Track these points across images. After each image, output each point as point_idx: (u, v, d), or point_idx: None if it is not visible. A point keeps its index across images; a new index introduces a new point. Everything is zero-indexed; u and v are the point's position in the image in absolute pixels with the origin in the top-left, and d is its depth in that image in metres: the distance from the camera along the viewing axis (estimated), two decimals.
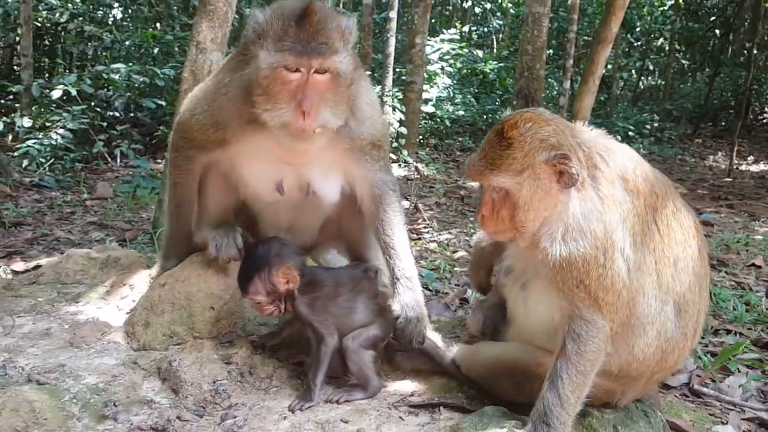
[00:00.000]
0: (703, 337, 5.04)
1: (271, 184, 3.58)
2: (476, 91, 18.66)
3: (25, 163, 11.53)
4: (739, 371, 4.60)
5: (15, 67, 15.85)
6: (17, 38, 14.86)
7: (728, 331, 5.28)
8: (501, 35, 23.29)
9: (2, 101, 15.39)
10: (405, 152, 13.46)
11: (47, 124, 12.33)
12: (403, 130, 13.94)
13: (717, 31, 24.05)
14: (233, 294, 3.64)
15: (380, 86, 15.06)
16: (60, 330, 3.65)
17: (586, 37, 21.17)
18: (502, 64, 19.24)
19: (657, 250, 2.93)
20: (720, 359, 4.65)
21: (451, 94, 17.45)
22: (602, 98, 22.22)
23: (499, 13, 22.62)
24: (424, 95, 15.96)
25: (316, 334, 3.33)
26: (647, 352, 3.00)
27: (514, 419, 3.01)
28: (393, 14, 15.40)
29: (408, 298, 3.55)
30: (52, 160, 11.65)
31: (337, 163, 3.61)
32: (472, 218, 10.12)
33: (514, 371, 3.19)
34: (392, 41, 15.44)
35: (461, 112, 16.95)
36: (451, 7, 23.38)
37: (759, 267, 7.06)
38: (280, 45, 3.14)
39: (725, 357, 4.67)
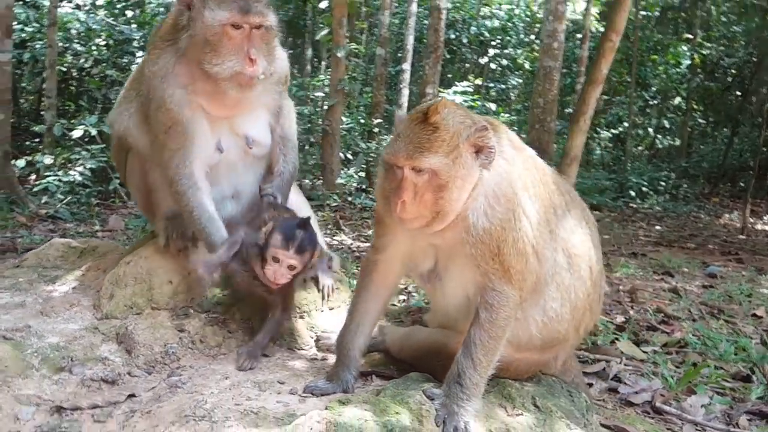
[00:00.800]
0: (678, 366, 5.16)
1: (212, 145, 3.93)
2: None
3: (45, 198, 12.01)
4: (707, 395, 4.60)
5: (41, 111, 16.55)
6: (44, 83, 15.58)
7: (708, 366, 5.16)
8: (517, 91, 23.72)
9: (27, 142, 16.04)
10: None
11: (68, 162, 12.84)
12: None
13: (735, 91, 24.25)
14: (191, 271, 3.94)
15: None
16: (33, 303, 3.97)
17: (604, 95, 21.52)
18: (515, 117, 19.60)
19: (541, 196, 3.20)
20: (685, 379, 4.72)
21: None
22: (617, 155, 22.45)
23: (517, 71, 23.08)
24: None
25: (287, 304, 3.76)
26: (556, 308, 3.23)
27: (434, 383, 3.24)
28: (407, 66, 15.82)
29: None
30: (69, 196, 12.12)
31: (262, 104, 4.10)
32: None
33: (440, 354, 3.38)
34: (405, 92, 15.81)
35: None
36: (468, 65, 23.90)
37: (760, 317, 6.91)
38: (225, 5, 3.64)
39: (690, 377, 4.74)
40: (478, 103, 18.76)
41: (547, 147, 16.61)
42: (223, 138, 3.97)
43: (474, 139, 3.00)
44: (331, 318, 4.06)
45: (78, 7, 16.17)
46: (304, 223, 3.65)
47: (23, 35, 15.73)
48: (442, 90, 17.71)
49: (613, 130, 22.42)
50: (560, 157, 9.95)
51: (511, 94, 24.02)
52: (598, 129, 21.53)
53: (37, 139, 15.78)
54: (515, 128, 18.77)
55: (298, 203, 4.34)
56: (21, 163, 12.86)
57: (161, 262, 3.97)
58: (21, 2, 16.00)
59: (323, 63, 22.05)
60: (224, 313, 3.89)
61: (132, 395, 3.21)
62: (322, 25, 16.00)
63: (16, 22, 15.59)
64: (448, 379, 3.10)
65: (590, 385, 4.57)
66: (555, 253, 3.22)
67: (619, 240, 12.15)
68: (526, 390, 3.35)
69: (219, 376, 3.38)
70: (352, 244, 10.23)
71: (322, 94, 15.42)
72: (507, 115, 19.50)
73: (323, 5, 16.57)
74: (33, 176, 13.98)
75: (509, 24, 22.45)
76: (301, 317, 3.94)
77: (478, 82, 20.32)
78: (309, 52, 23.43)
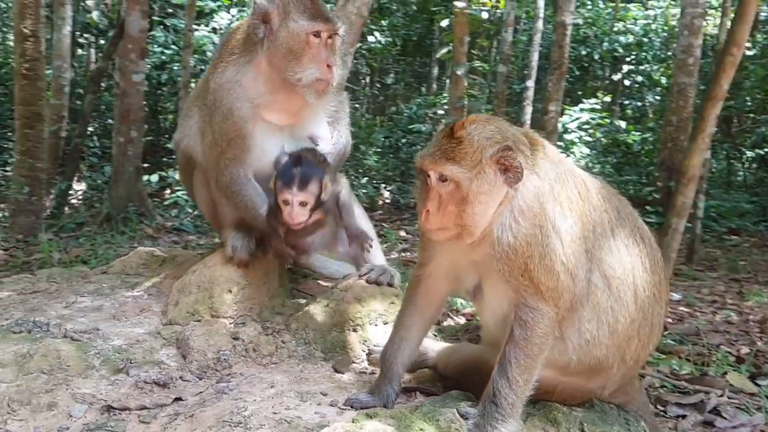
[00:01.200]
0: None
1: (273, 153, 4.11)
2: (617, 162, 18.35)
3: (175, 212, 12.67)
4: None
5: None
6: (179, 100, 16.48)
7: None
8: (653, 108, 22.83)
9: (164, 158, 17.01)
10: None
11: None
12: None
13: None
14: (251, 281, 4.06)
15: None
16: (109, 307, 4.22)
17: (750, 114, 20.37)
18: (647, 135, 18.86)
19: (578, 212, 3.07)
20: None
21: (590, 164, 17.27)
22: (761, 176, 21.03)
23: (653, 88, 22.21)
24: None
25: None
26: (592, 331, 3.08)
27: (473, 401, 3.17)
28: (530, 83, 15.58)
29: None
30: (196, 210, 12.74)
31: (323, 108, 4.36)
32: None
33: (481, 372, 3.28)
34: (528, 109, 15.58)
35: None
36: (599, 82, 23.26)
37: None
38: (307, 15, 3.93)
39: None
40: (607, 120, 18.22)
41: (680, 166, 15.90)
42: (287, 144, 4.15)
43: (498, 157, 2.94)
44: (385, 332, 4.06)
45: (214, 30, 16.99)
46: (299, 159, 3.80)
47: (163, 57, 16.66)
48: (567, 107, 17.34)
49: (758, 151, 21.12)
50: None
51: (648, 111, 23.16)
52: (742, 149, 20.35)
53: (173, 156, 16.69)
54: (649, 147, 18.12)
55: (359, 216, 4.38)
56: (154, 178, 13.62)
57: (223, 271, 4.12)
58: (161, 26, 16.98)
59: (447, 82, 22.12)
60: (280, 323, 3.97)
61: (179, 398, 3.33)
62: (446, 44, 16.04)
63: (156, 46, 16.63)
64: (484, 398, 3.03)
65: (683, 417, 4.32)
66: (590, 273, 3.08)
67: (756, 267, 11.39)
68: (574, 415, 3.22)
69: (265, 384, 3.44)
70: None
71: (442, 112, 15.44)
72: (639, 132, 18.79)
73: (445, 23, 16.60)
74: (167, 191, 14.81)
75: (645, 39, 21.66)
76: (354, 330, 3.96)
77: (608, 99, 19.72)
78: (435, 71, 23.63)
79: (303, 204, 3.73)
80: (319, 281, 4.75)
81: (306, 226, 3.86)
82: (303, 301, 4.35)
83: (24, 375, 3.36)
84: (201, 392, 3.41)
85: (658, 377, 4.83)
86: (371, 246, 4.21)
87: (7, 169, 13.18)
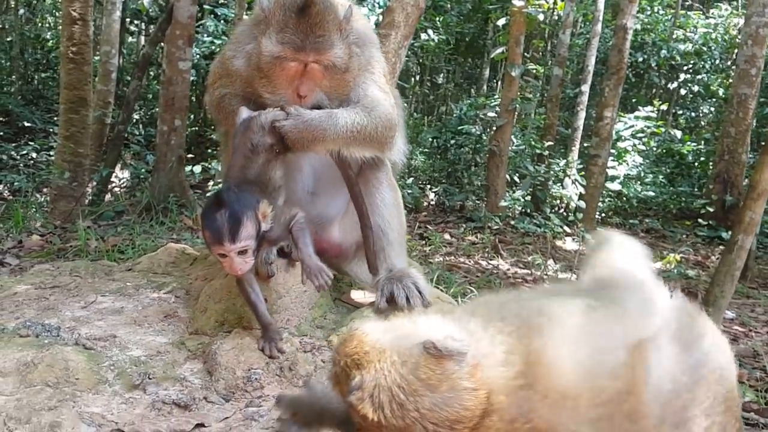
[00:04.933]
0: None
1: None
2: (670, 172, 17.60)
3: None
4: None
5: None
6: None
7: None
8: (708, 119, 22.00)
9: (209, 150, 16.71)
10: (581, 227, 12.87)
11: None
12: (582, 204, 13.36)
13: None
14: (290, 290, 3.57)
15: (564, 159, 14.65)
16: (131, 310, 3.75)
17: None
18: (702, 147, 18.09)
19: None
20: None
21: (642, 174, 16.59)
22: None
23: (710, 98, 21.41)
24: (612, 172, 15.28)
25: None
26: None
27: None
28: (585, 88, 15.04)
29: None
30: None
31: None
32: None
33: None
34: (582, 114, 15.05)
35: (651, 193, 15.97)
36: (654, 89, 22.46)
37: None
38: (281, 37, 3.35)
39: None
40: (662, 129, 17.50)
41: (737, 180, 15.22)
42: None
43: None
44: None
45: None
46: (219, 200, 3.08)
47: (213, 47, 16.39)
48: (622, 114, 16.68)
49: None
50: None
51: (702, 121, 22.33)
52: None
53: (217, 148, 16.42)
54: (702, 159, 17.36)
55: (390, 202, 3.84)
56: (197, 169, 13.32)
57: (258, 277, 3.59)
58: (212, 15, 16.70)
59: (499, 83, 21.60)
60: (320, 339, 3.48)
61: (201, 425, 2.85)
62: (500, 44, 15.52)
63: (206, 35, 16.34)
64: None
65: None
66: None
67: None
68: None
69: None
70: (509, 269, 9.67)
71: (494, 114, 14.95)
72: (694, 144, 18.01)
73: (501, 22, 16.07)
74: (210, 183, 14.52)
75: (704, 48, 20.83)
76: None
77: (664, 107, 18.96)
78: (486, 72, 23.09)
79: (242, 252, 3.08)
80: (365, 290, 4.16)
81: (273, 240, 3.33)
82: (347, 313, 3.82)
83: (26, 387, 2.91)
84: (227, 417, 2.94)
85: None
86: (326, 286, 3.31)
87: (52, 153, 13.09)
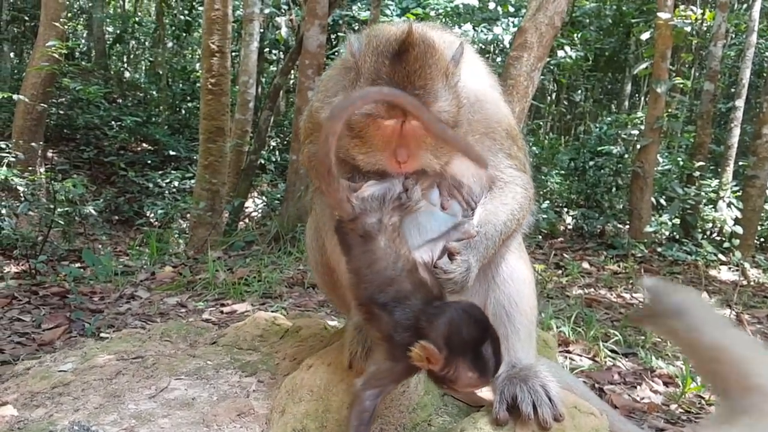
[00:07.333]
0: None
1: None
2: None
3: None
4: None
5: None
6: None
7: None
8: None
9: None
10: (737, 254, 11.56)
11: None
12: (738, 229, 12.07)
13: None
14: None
15: (717, 180, 13.36)
16: (204, 402, 3.19)
17: None
18: None
19: None
20: None
21: None
22: None
23: None
24: None
25: None
26: None
27: None
28: (740, 102, 13.77)
29: None
30: None
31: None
32: None
33: None
34: (736, 131, 13.82)
35: None
36: None
37: None
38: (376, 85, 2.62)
39: None
40: None
41: None
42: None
43: None
44: None
45: None
46: (485, 332, 2.42)
47: None
48: None
49: None
50: None
51: None
52: None
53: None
54: None
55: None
56: None
57: (344, 375, 2.89)
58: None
59: (642, 99, 20.29)
60: None
61: None
62: (644, 58, 14.43)
63: None
64: None
65: None
66: None
67: None
68: None
69: None
70: None
71: (636, 132, 13.88)
72: None
73: (645, 36, 15.00)
74: None
75: None
76: None
77: None
78: (628, 88, 21.79)
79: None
80: None
81: None
82: (460, 414, 3.09)
83: None
84: None
85: None
86: None
87: (194, 181, 13.54)
